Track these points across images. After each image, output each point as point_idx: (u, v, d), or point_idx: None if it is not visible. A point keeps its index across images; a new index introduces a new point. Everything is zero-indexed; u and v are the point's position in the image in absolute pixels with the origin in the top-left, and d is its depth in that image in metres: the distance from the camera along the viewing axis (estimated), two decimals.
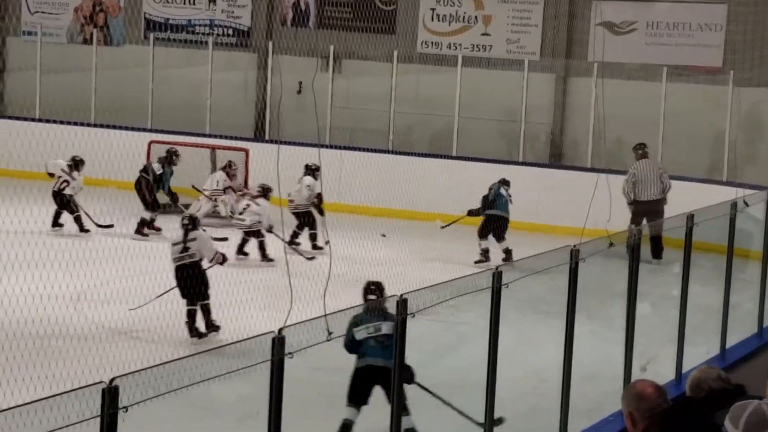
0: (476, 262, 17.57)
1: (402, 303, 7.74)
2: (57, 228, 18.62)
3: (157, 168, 19.19)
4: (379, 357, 10.28)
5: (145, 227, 18.60)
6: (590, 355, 11.54)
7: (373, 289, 11.15)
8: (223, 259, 13.99)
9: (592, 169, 20.11)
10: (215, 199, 19.32)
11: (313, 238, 18.12)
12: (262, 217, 16.72)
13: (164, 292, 13.88)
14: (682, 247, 11.67)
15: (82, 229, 18.58)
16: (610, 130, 20.77)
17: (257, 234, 17.14)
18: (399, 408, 8.03)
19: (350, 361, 11.64)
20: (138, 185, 18.85)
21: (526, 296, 10.91)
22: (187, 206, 19.81)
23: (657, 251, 17.17)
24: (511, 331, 9.84)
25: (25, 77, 24.48)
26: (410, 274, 15.78)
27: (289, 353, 6.76)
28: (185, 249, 13.75)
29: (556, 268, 9.92)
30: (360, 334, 10.51)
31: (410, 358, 8.03)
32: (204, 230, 14.49)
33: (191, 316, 13.36)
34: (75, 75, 24.34)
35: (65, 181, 18.73)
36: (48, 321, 12.78)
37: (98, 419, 5.66)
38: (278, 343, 6.70)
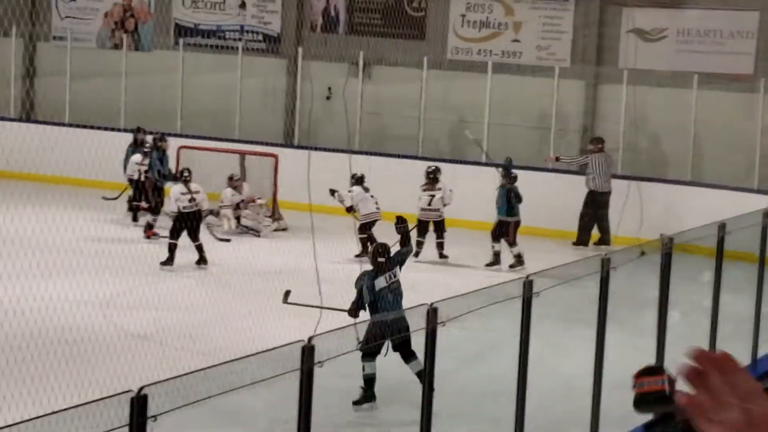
0: (487, 265, 17.60)
1: (432, 312, 7.70)
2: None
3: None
4: (395, 307, 11.33)
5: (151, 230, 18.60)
6: (621, 364, 11.46)
7: (381, 251, 12.04)
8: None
9: (623, 177, 20.03)
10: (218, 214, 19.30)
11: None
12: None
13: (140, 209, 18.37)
14: (714, 256, 11.58)
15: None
16: (641, 137, 20.65)
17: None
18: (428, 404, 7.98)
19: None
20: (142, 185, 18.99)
21: (556, 305, 10.85)
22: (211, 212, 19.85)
23: (606, 239, 19.09)
24: (541, 339, 9.80)
25: (55, 82, 24.56)
26: (441, 281, 15.76)
27: (319, 362, 6.73)
28: (192, 199, 16.69)
29: (586, 276, 9.87)
30: (379, 282, 11.59)
31: (440, 367, 7.99)
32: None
33: (173, 249, 16.35)
34: (105, 80, 24.40)
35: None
36: (78, 328, 12.81)
37: (127, 428, 5.64)
38: (308, 352, 6.67)
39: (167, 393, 5.87)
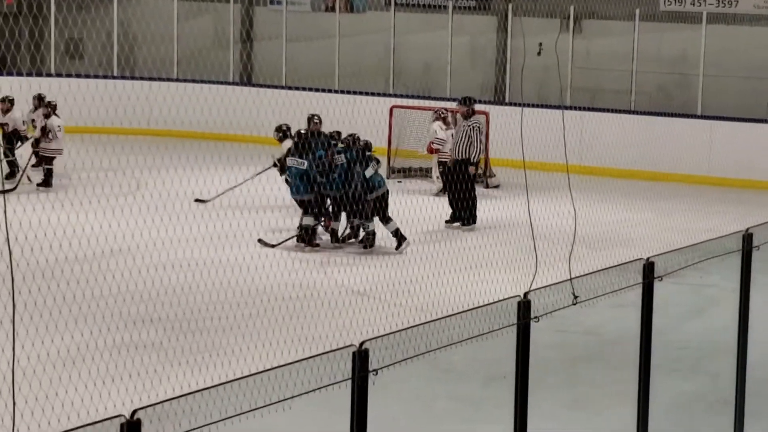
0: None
1: (649, 266, 7.65)
2: None
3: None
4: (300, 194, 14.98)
5: None
6: None
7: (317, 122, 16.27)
8: None
9: None
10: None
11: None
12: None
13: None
14: None
15: None
16: None
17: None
18: None
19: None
20: None
21: None
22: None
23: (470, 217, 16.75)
24: (761, 293, 9.59)
25: (271, 46, 25.11)
26: (655, 236, 15.59)
27: (535, 317, 6.77)
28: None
29: None
30: (291, 161, 15.15)
31: (657, 322, 7.92)
32: None
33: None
34: (319, 42, 24.82)
35: None
36: (300, 285, 13.18)
37: (349, 381, 5.79)
38: (524, 307, 6.72)
39: (387, 348, 5.99)
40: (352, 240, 15.25)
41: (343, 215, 15.25)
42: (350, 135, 15.32)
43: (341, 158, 14.89)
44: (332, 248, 14.95)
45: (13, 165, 18.45)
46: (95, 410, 8.50)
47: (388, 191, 15.15)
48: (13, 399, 5.89)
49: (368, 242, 14.97)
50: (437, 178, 19.22)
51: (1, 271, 8.42)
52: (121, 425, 4.80)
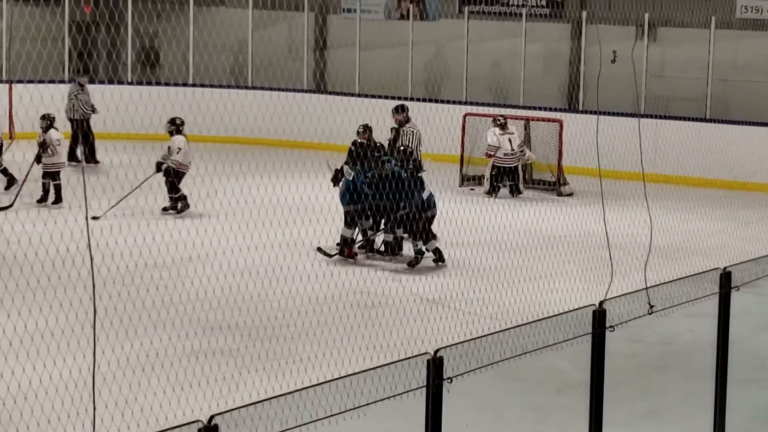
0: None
1: (725, 276, 7.62)
2: None
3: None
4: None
5: None
6: None
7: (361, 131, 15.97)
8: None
9: None
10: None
11: None
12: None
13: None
14: None
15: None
16: None
17: None
18: None
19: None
20: None
21: None
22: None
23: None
24: None
25: (344, 54, 25.22)
26: (731, 246, 15.48)
27: (610, 326, 6.78)
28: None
29: None
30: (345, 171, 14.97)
31: (734, 332, 7.89)
32: None
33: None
34: (392, 50, 24.89)
35: None
36: (373, 293, 13.23)
37: (424, 389, 5.83)
38: (599, 316, 6.73)
39: (461, 356, 6.03)
40: (383, 252, 14.95)
41: (381, 225, 15.02)
42: (399, 149, 15.27)
43: (388, 167, 14.71)
44: (388, 259, 14.85)
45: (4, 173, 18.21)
46: (173, 415, 8.62)
47: (436, 213, 14.83)
48: (93, 403, 6.00)
49: (415, 261, 14.59)
50: (487, 180, 19.67)
51: (82, 277, 8.56)
52: (199, 430, 4.89)
